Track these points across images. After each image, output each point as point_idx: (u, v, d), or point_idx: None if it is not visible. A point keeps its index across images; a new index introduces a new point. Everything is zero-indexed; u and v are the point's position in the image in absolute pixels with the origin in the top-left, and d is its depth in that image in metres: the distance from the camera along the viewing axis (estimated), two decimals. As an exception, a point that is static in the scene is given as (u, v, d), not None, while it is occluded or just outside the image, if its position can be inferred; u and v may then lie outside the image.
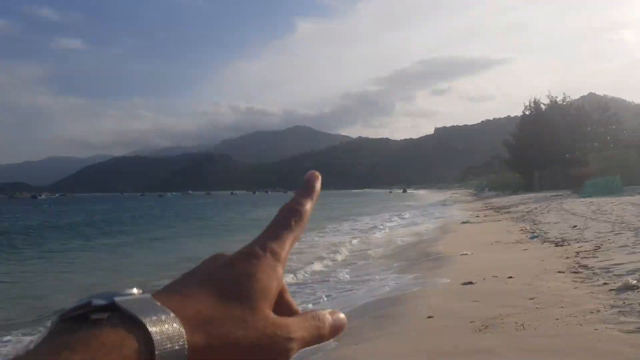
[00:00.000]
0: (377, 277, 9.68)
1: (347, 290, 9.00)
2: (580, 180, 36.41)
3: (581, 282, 6.28)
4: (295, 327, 0.51)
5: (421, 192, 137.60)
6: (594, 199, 22.64)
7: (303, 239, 20.24)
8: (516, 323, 4.97)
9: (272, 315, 0.51)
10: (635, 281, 5.61)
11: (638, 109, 53.80)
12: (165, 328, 0.42)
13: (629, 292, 5.33)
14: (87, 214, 52.50)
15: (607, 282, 6.01)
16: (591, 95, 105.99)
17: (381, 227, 25.82)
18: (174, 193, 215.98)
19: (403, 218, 30.23)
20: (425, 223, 23.36)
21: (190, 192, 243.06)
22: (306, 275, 11.60)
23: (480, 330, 5.08)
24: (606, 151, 38.00)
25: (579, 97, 65.29)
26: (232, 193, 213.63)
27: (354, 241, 20.38)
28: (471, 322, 5.25)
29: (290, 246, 0.56)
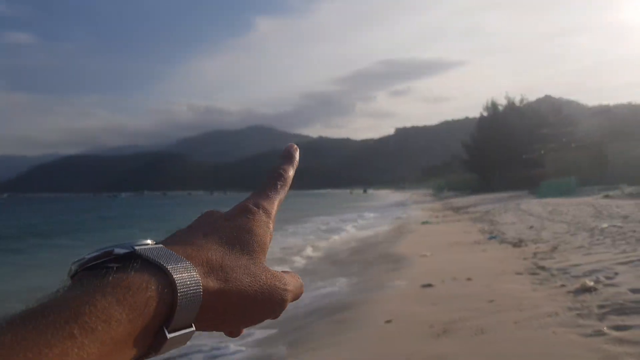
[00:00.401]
0: (335, 279, 9.48)
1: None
2: (537, 180, 37.35)
3: (539, 284, 6.23)
4: (289, 280, 0.57)
5: (382, 192, 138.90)
6: (550, 200, 23.14)
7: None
8: (475, 327, 4.84)
9: (269, 267, 0.56)
10: (592, 283, 5.57)
11: (592, 111, 55.54)
12: (183, 274, 0.46)
13: (586, 294, 5.29)
14: (38, 216, 50.45)
15: (564, 283, 5.97)
16: (547, 97, 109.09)
17: (340, 228, 25.75)
18: (127, 193, 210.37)
19: (363, 219, 30.23)
20: (385, 224, 23.39)
21: (145, 192, 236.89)
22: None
23: (439, 335, 4.93)
24: (561, 152, 39.07)
25: (535, 99, 67.21)
26: (189, 194, 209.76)
27: (313, 243, 20.36)
28: (430, 326, 5.10)
29: (277, 207, 0.62)
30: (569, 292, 5.56)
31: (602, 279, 5.86)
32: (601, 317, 4.42)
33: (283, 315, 0.60)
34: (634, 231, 9.23)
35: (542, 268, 7.19)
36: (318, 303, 7.55)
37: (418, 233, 15.80)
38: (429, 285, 6.99)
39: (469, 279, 7.09)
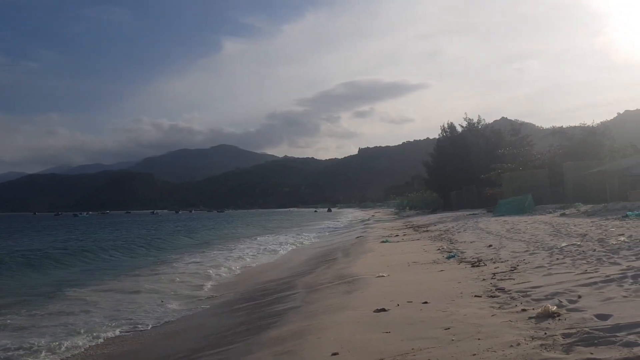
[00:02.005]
0: (287, 303, 8.84)
1: (256, 320, 8.10)
2: (494, 199, 37.63)
3: (499, 307, 5.78)
4: None
5: (345, 210, 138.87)
6: (507, 218, 23.14)
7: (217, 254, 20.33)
8: (429, 360, 4.31)
9: None
10: (555, 307, 5.14)
11: (546, 132, 57.04)
12: None
13: (550, 321, 4.84)
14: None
15: (525, 307, 5.52)
16: (503, 119, 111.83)
17: (295, 245, 25.18)
18: (90, 213, 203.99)
19: (319, 237, 29.66)
20: (344, 242, 22.90)
21: (108, 211, 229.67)
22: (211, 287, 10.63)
23: (389, 370, 4.39)
24: (518, 172, 39.60)
25: (492, 121, 68.59)
26: (152, 212, 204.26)
27: (263, 257, 19.91)
28: (380, 359, 4.55)
29: None
30: (530, 317, 5.10)
31: (565, 302, 5.45)
32: (567, 349, 3.95)
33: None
34: (594, 250, 8.97)
35: (502, 290, 6.76)
36: (265, 329, 6.91)
37: (377, 252, 15.31)
38: (383, 310, 6.45)
39: (425, 303, 6.60)
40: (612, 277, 6.32)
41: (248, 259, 19.76)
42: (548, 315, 4.97)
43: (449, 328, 5.15)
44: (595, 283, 6.14)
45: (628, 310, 4.76)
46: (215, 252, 23.31)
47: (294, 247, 25.17)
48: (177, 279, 14.46)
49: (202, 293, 12.42)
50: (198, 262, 18.84)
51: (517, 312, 5.43)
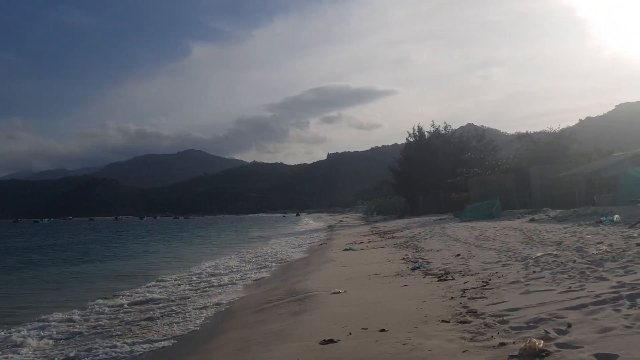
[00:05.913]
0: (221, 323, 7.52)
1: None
2: (461, 203, 37.01)
3: (471, 339, 4.66)
4: None
5: (313, 216, 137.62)
6: (475, 224, 22.33)
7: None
8: None
9: None
10: (541, 342, 4.04)
11: (510, 138, 57.31)
12: None
13: (538, 362, 3.73)
14: None
15: (504, 340, 4.42)
16: (469, 125, 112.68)
17: (252, 254, 23.86)
18: (52, 219, 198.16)
19: (281, 245, 28.36)
20: (304, 251, 21.71)
21: (70, 217, 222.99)
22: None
23: None
24: (485, 176, 39.15)
25: (458, 127, 68.44)
26: (116, 218, 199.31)
27: (209, 270, 18.43)
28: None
29: None
30: (511, 356, 3.99)
31: (552, 334, 4.36)
32: (569, 416, 2.83)
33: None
34: (574, 261, 7.98)
35: (474, 313, 5.67)
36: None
37: (337, 262, 14.15)
38: (331, 341, 5.27)
39: (382, 330, 5.45)
40: (603, 297, 5.27)
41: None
42: (534, 354, 3.87)
43: (409, 371, 4.00)
44: (584, 305, 5.08)
45: (638, 347, 3.68)
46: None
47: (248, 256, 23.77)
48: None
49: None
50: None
51: (494, 346, 4.32)
